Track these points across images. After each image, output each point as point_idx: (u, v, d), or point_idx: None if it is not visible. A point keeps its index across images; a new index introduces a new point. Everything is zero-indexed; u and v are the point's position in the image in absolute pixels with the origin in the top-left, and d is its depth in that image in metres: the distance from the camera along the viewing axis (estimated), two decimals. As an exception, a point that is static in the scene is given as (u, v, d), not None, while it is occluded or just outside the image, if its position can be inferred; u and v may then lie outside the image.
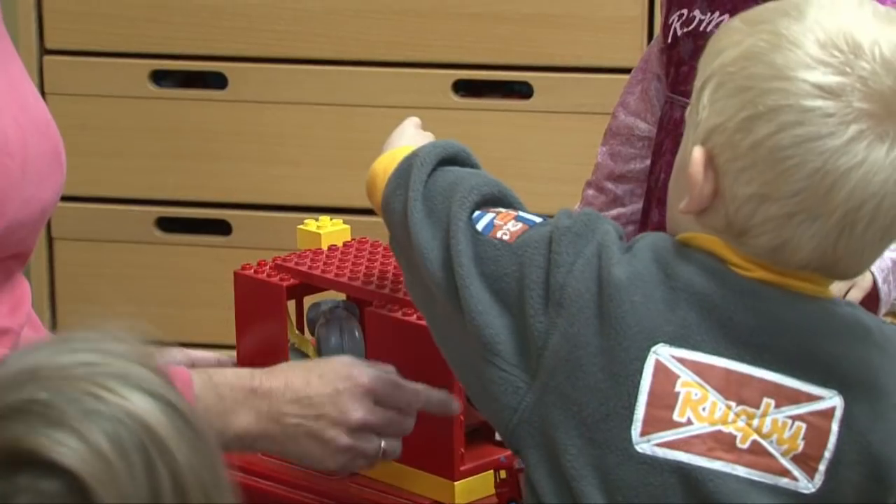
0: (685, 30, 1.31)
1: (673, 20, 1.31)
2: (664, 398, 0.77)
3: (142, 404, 0.52)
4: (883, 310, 1.18)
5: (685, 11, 1.30)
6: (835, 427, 0.76)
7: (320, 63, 2.05)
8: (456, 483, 1.06)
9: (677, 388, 0.77)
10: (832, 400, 0.77)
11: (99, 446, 0.50)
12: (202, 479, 0.53)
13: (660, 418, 0.77)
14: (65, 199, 1.14)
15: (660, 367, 0.77)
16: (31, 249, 1.09)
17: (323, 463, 1.01)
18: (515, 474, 1.03)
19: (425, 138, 1.02)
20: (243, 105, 2.07)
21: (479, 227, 0.84)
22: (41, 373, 0.53)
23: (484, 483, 1.06)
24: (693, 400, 0.78)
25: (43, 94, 1.36)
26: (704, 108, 0.79)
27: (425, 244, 0.85)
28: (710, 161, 0.77)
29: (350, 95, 2.05)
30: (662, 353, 0.77)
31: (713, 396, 0.77)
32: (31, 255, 1.09)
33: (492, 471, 1.04)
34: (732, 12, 1.23)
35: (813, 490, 0.76)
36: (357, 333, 1.14)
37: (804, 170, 0.74)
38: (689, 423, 0.77)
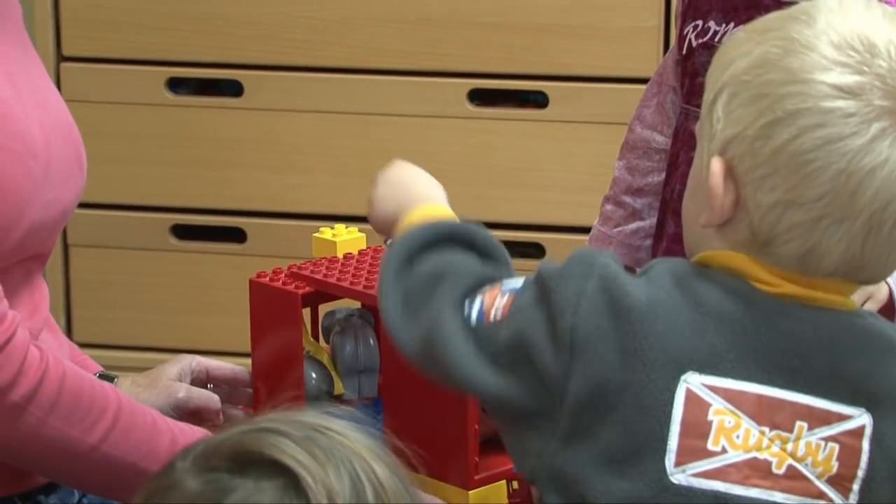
0: (700, 41, 1.31)
1: (688, 31, 1.31)
2: (697, 427, 0.76)
3: (359, 442, 0.62)
4: (899, 320, 1.16)
5: (700, 22, 1.31)
6: (866, 445, 0.76)
7: (335, 71, 2.07)
8: (470, 492, 1.05)
9: (710, 417, 0.76)
10: (861, 418, 0.77)
11: (315, 454, 0.58)
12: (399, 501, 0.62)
13: (694, 448, 0.76)
14: (80, 206, 1.18)
15: (691, 396, 0.77)
16: (50, 250, 1.12)
17: None
18: (527, 485, 1.02)
19: (436, 187, 1.00)
20: (259, 113, 2.09)
21: (473, 320, 0.84)
22: (277, 415, 0.63)
23: (497, 492, 1.06)
24: (726, 428, 0.77)
25: (60, 100, 1.43)
26: (719, 120, 0.79)
27: (409, 346, 0.87)
28: (729, 172, 0.76)
29: (365, 104, 2.07)
30: (693, 382, 0.77)
31: (746, 423, 0.77)
32: (49, 258, 1.13)
33: (504, 481, 1.05)
34: (748, 23, 1.23)
35: None
36: (372, 342, 1.15)
37: (828, 172, 0.73)
38: (724, 451, 0.76)
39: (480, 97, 2.05)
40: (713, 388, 0.76)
